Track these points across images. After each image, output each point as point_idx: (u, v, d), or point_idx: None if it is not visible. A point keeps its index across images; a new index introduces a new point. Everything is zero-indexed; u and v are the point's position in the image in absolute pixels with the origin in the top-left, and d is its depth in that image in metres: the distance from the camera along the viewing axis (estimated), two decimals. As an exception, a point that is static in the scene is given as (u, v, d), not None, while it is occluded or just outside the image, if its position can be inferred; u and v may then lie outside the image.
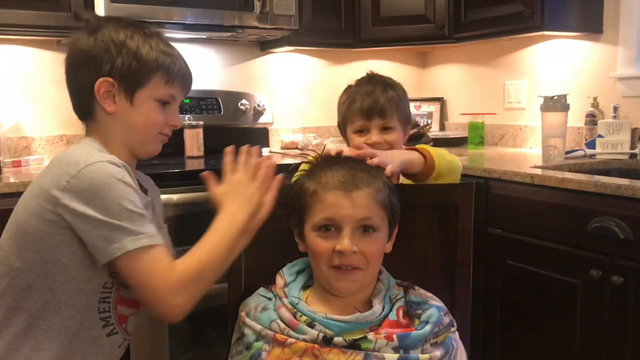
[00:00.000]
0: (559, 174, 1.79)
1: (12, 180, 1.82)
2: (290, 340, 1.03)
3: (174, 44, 1.23)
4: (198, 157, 2.41)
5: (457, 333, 1.11)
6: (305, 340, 1.02)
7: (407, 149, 1.42)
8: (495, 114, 2.75)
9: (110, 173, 1.06)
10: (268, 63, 2.85)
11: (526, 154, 2.45)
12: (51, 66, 2.34)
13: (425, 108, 3.03)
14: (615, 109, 2.23)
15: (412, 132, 1.76)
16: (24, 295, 1.10)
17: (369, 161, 1.20)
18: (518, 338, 1.92)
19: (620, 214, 1.56)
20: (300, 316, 1.06)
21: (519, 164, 2.09)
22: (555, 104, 2.11)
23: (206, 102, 2.60)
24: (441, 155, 1.39)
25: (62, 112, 2.34)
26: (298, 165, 1.31)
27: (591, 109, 2.31)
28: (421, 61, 3.21)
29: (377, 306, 1.08)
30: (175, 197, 1.87)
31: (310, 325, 1.04)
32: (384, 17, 2.63)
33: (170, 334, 1.95)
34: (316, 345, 1.02)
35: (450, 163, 1.40)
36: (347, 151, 1.23)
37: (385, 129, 1.47)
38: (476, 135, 2.68)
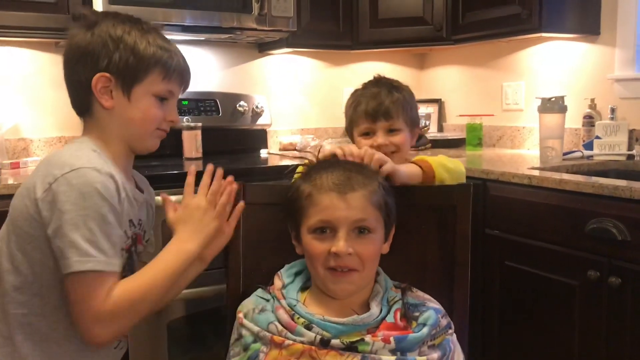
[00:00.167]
0: (556, 175, 1.79)
1: (10, 181, 1.82)
2: (287, 342, 1.03)
3: (172, 45, 1.23)
4: (196, 159, 2.41)
5: (454, 335, 1.11)
6: (302, 342, 1.02)
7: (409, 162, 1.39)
8: (493, 115, 2.76)
9: (90, 182, 1.04)
10: (266, 65, 2.85)
11: (524, 155, 2.45)
12: (50, 68, 2.34)
13: (424, 109, 3.04)
14: (613, 110, 2.24)
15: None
16: (8, 299, 1.10)
17: (366, 160, 1.17)
18: (516, 339, 1.92)
19: (618, 215, 1.56)
20: (298, 318, 1.06)
21: (517, 165, 2.09)
22: (553, 105, 2.11)
23: (204, 104, 2.60)
24: (442, 165, 1.36)
25: (60, 114, 2.35)
26: (295, 167, 1.30)
27: (589, 110, 2.32)
28: (419, 63, 3.22)
29: (375, 308, 1.08)
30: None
31: (308, 327, 1.04)
32: (382, 19, 2.63)
33: (169, 336, 1.95)
34: (314, 348, 1.02)
35: (451, 172, 1.36)
36: (340, 153, 1.20)
37: (391, 131, 1.46)
38: (474, 136, 2.69)
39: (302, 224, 1.10)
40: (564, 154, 2.16)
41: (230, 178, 1.23)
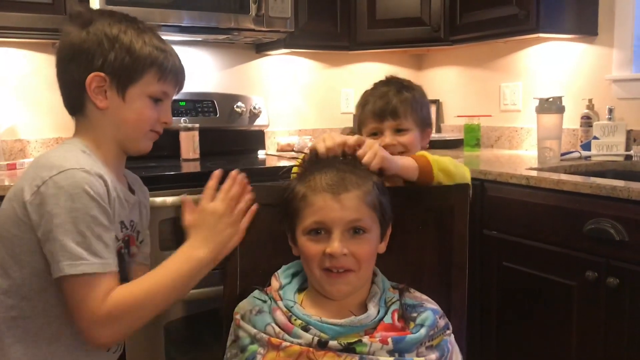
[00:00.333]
0: (554, 176, 1.79)
1: (6, 183, 1.81)
2: (285, 343, 1.02)
3: (170, 46, 1.22)
4: (194, 160, 2.41)
5: (452, 336, 1.11)
6: (300, 344, 1.02)
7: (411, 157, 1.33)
8: (490, 116, 2.76)
9: (79, 183, 1.03)
10: (264, 65, 2.85)
11: (522, 155, 2.45)
12: (46, 69, 2.34)
13: (421, 110, 3.03)
14: (611, 110, 2.24)
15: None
16: None
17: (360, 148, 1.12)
18: (514, 340, 1.91)
19: (616, 216, 1.56)
20: (295, 320, 1.05)
21: (515, 165, 2.09)
22: (551, 106, 2.11)
23: (202, 105, 2.60)
24: (438, 163, 1.27)
25: (57, 115, 2.34)
26: (290, 168, 1.29)
27: (586, 110, 2.32)
28: (417, 63, 3.22)
29: (372, 309, 1.07)
30: (170, 199, 1.87)
31: (305, 328, 1.04)
32: (380, 20, 2.63)
33: (166, 337, 1.95)
34: (311, 349, 1.01)
35: (451, 175, 1.27)
36: (321, 148, 1.13)
37: (399, 130, 1.44)
38: (472, 137, 2.69)
39: (297, 226, 1.10)
40: (562, 155, 2.16)
41: (249, 187, 1.20)
